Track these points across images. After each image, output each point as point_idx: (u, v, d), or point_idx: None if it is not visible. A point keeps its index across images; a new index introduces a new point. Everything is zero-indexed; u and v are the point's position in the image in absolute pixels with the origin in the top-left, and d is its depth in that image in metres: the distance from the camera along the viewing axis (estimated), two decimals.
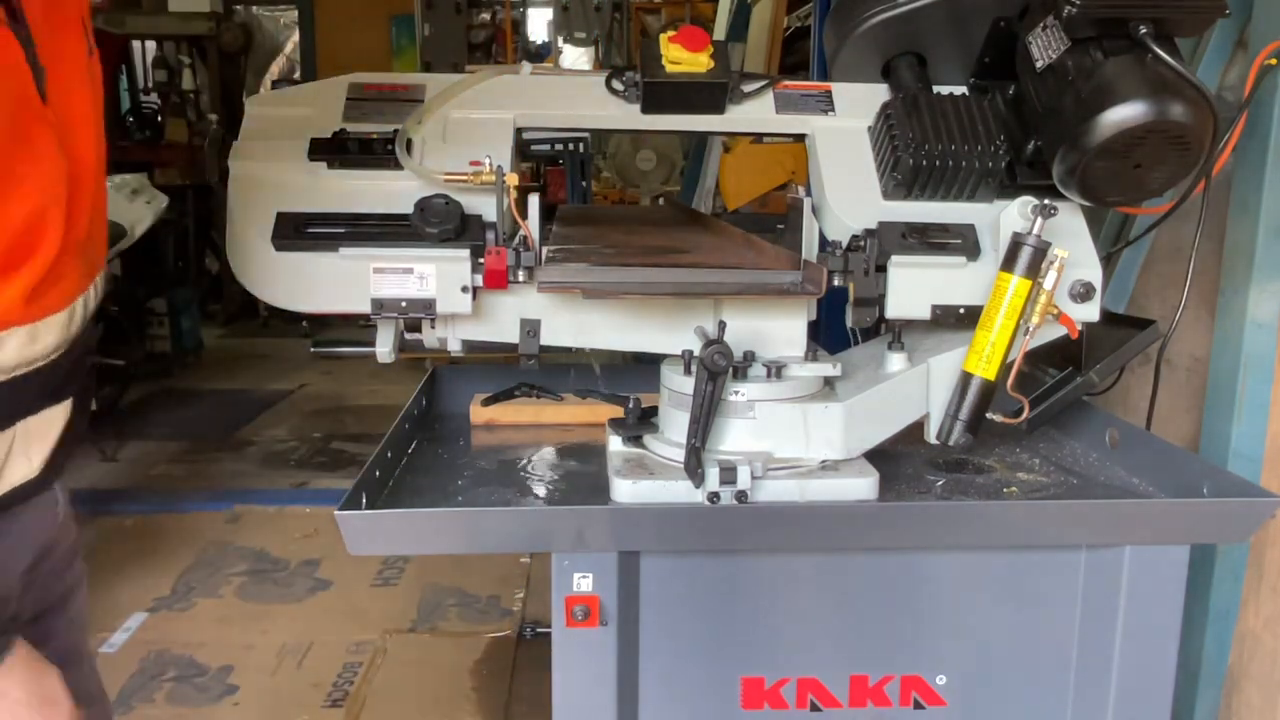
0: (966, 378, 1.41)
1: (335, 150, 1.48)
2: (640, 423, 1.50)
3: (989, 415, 1.42)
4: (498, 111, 1.57)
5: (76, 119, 1.05)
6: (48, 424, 1.10)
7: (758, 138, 4.27)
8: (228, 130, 7.57)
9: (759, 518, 1.34)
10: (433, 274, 1.42)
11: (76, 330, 1.09)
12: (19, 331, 1.00)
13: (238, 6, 9.03)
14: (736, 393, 1.39)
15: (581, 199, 5.62)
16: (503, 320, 1.48)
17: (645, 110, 1.59)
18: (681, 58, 1.53)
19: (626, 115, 1.60)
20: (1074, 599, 1.41)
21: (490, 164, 1.43)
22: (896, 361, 1.47)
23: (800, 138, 1.62)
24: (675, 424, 1.42)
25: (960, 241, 1.45)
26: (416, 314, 1.44)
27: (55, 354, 1.06)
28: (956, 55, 1.58)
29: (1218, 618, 1.82)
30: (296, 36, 9.42)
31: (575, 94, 1.63)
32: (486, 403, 1.83)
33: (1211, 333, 1.83)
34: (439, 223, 1.40)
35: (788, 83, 1.64)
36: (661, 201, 5.20)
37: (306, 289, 1.43)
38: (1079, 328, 1.42)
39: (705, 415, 1.33)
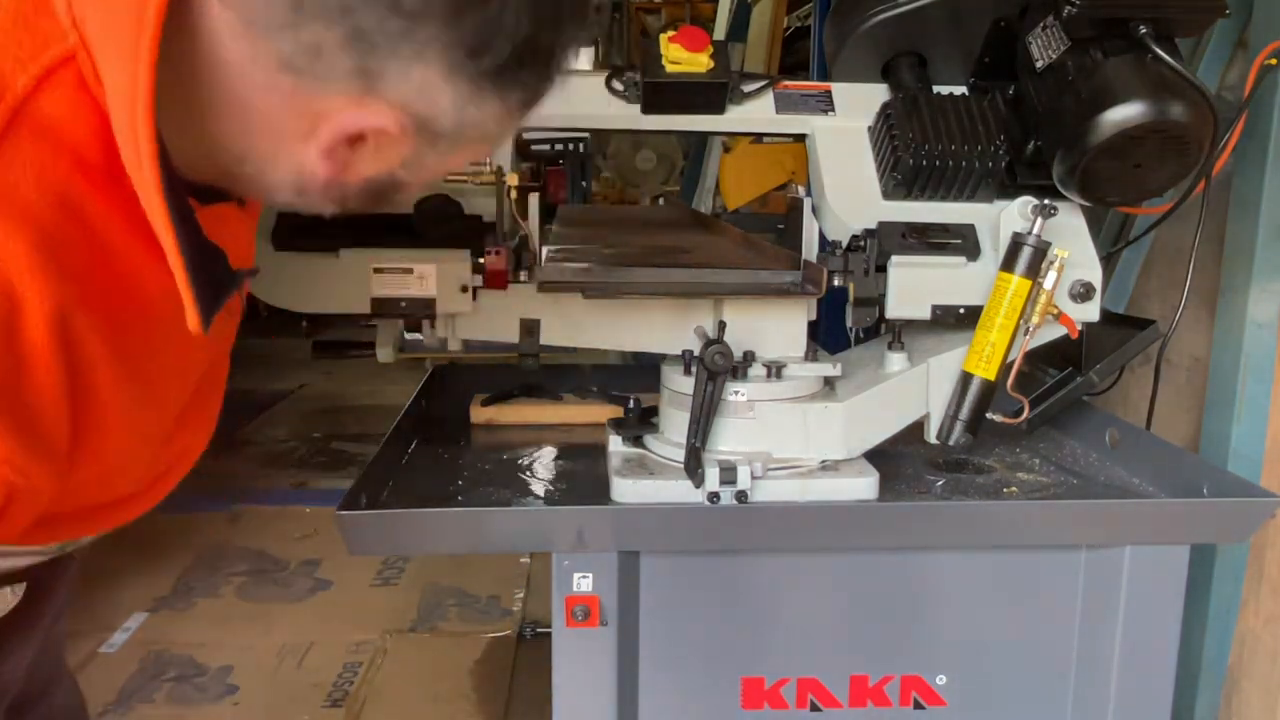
0: (966, 378, 1.41)
1: None
2: (640, 423, 1.50)
3: (989, 415, 1.42)
4: None
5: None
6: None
7: (758, 138, 4.27)
8: None
9: (759, 518, 1.34)
10: (433, 274, 1.42)
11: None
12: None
13: None
14: (736, 393, 1.38)
15: (581, 199, 5.61)
16: (503, 320, 1.48)
17: (645, 110, 1.58)
18: (681, 58, 1.53)
19: (626, 115, 1.60)
20: (1074, 599, 1.41)
21: (490, 164, 1.43)
22: (896, 361, 1.47)
23: (800, 138, 1.62)
24: (675, 424, 1.42)
25: (960, 241, 1.44)
26: (416, 314, 1.44)
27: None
28: (956, 55, 1.58)
29: (1218, 618, 1.82)
30: None
31: (575, 94, 1.63)
32: (486, 403, 1.83)
33: (1211, 333, 1.83)
34: (439, 223, 1.40)
35: (788, 83, 1.64)
36: (661, 201, 5.20)
37: (306, 289, 1.43)
38: (1079, 328, 1.42)
39: (705, 415, 1.33)
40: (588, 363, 2.00)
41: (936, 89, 1.57)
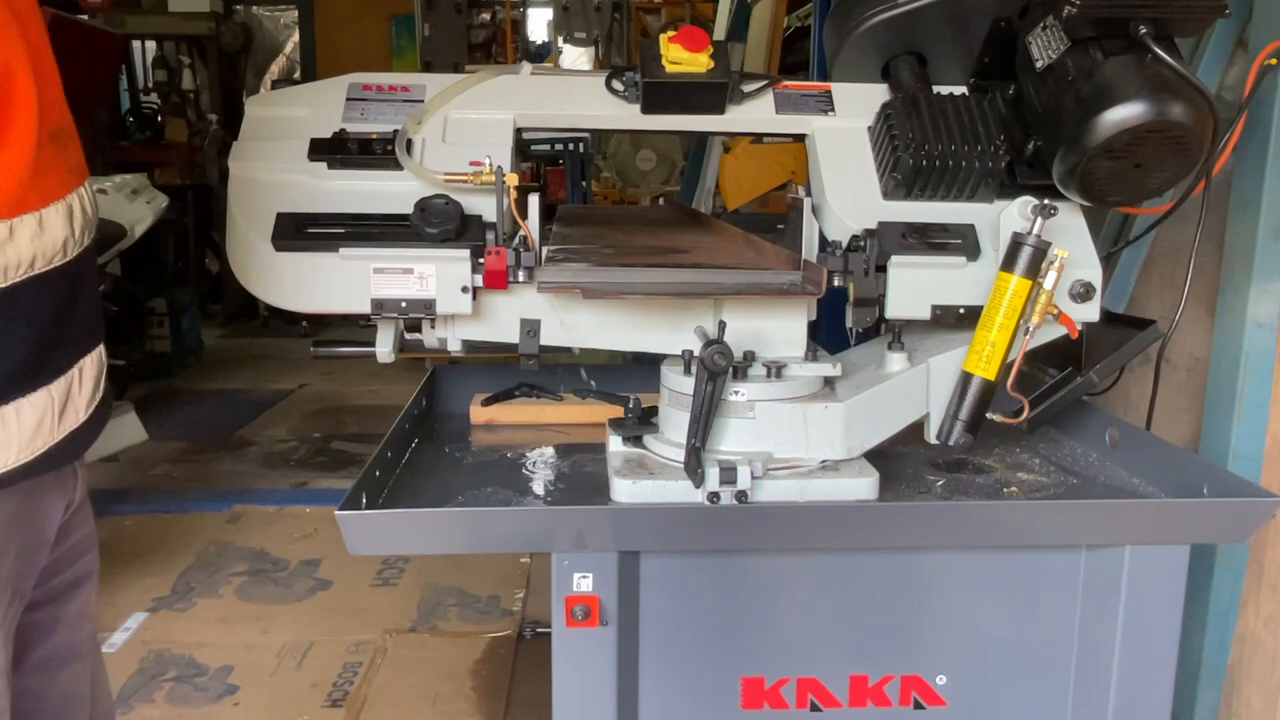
0: (966, 378, 1.41)
1: (335, 150, 1.48)
2: (640, 423, 1.50)
3: (989, 415, 1.42)
4: (497, 111, 1.57)
5: (23, 3, 1.09)
6: (94, 366, 1.16)
7: (758, 138, 4.27)
8: (228, 130, 7.57)
9: (759, 518, 1.34)
10: (433, 274, 1.42)
11: (79, 230, 1.13)
12: (27, 219, 1.06)
13: (238, 6, 9.02)
14: (736, 393, 1.38)
15: (581, 199, 5.61)
16: (503, 320, 1.48)
17: (645, 110, 1.59)
18: (681, 58, 1.53)
19: (626, 115, 1.60)
20: (1074, 599, 1.41)
21: (490, 164, 1.43)
22: (896, 361, 1.47)
23: (800, 138, 1.62)
24: (675, 424, 1.42)
25: (960, 241, 1.44)
26: (416, 314, 1.44)
27: (67, 255, 1.11)
28: (956, 55, 1.58)
29: (1218, 618, 1.82)
30: (296, 36, 9.41)
31: (575, 94, 1.63)
32: (486, 403, 1.83)
33: (1211, 333, 1.83)
34: (439, 223, 1.40)
35: (788, 83, 1.64)
36: (661, 201, 5.20)
37: (306, 289, 1.43)
38: (1079, 328, 1.42)
39: (705, 415, 1.33)
40: (587, 363, 2.00)
41: (936, 89, 1.57)
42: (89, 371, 1.17)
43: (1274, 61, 1.61)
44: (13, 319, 1.06)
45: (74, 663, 1.36)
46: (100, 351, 1.20)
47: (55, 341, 1.11)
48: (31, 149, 1.05)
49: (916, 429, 1.47)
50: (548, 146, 5.57)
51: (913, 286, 1.44)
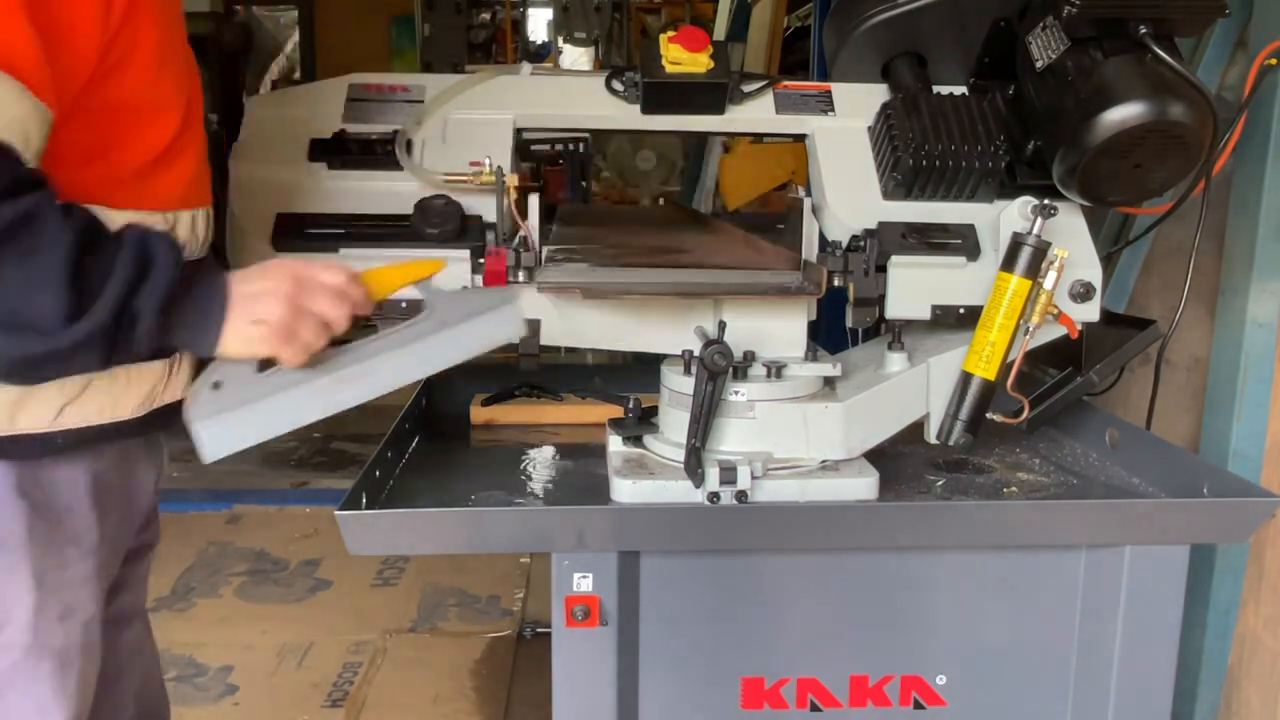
0: (966, 378, 1.41)
1: (335, 151, 1.48)
2: (640, 423, 1.50)
3: (989, 415, 1.42)
4: (497, 112, 1.57)
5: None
6: (190, 361, 1.25)
7: (758, 138, 4.27)
8: (228, 130, 7.56)
9: (759, 518, 1.34)
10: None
11: (202, 240, 1.24)
12: (184, 215, 1.18)
13: (238, 6, 9.02)
14: (736, 393, 1.38)
15: (581, 199, 5.62)
16: None
17: (645, 110, 1.59)
18: (681, 58, 1.53)
19: (626, 115, 1.60)
20: (1074, 599, 1.41)
21: (490, 164, 1.43)
22: (896, 361, 1.47)
23: (800, 138, 1.62)
24: (675, 424, 1.42)
25: (960, 241, 1.44)
26: (416, 314, 1.44)
27: (195, 257, 1.20)
28: (956, 55, 1.58)
29: (1218, 618, 1.82)
30: (296, 36, 9.41)
31: (575, 94, 1.63)
32: (486, 403, 1.83)
33: (1211, 333, 1.83)
34: (439, 223, 1.40)
35: (788, 83, 1.64)
36: (662, 201, 5.20)
37: None
38: (1079, 328, 1.42)
39: (705, 415, 1.33)
40: (588, 363, 2.00)
41: (936, 89, 1.57)
42: (188, 360, 1.25)
43: (1274, 61, 1.61)
44: None
45: (135, 621, 1.48)
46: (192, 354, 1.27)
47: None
48: (203, 151, 1.20)
49: (916, 429, 1.47)
50: (548, 146, 5.58)
51: (913, 286, 1.44)
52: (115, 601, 1.36)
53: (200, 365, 1.24)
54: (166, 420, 1.24)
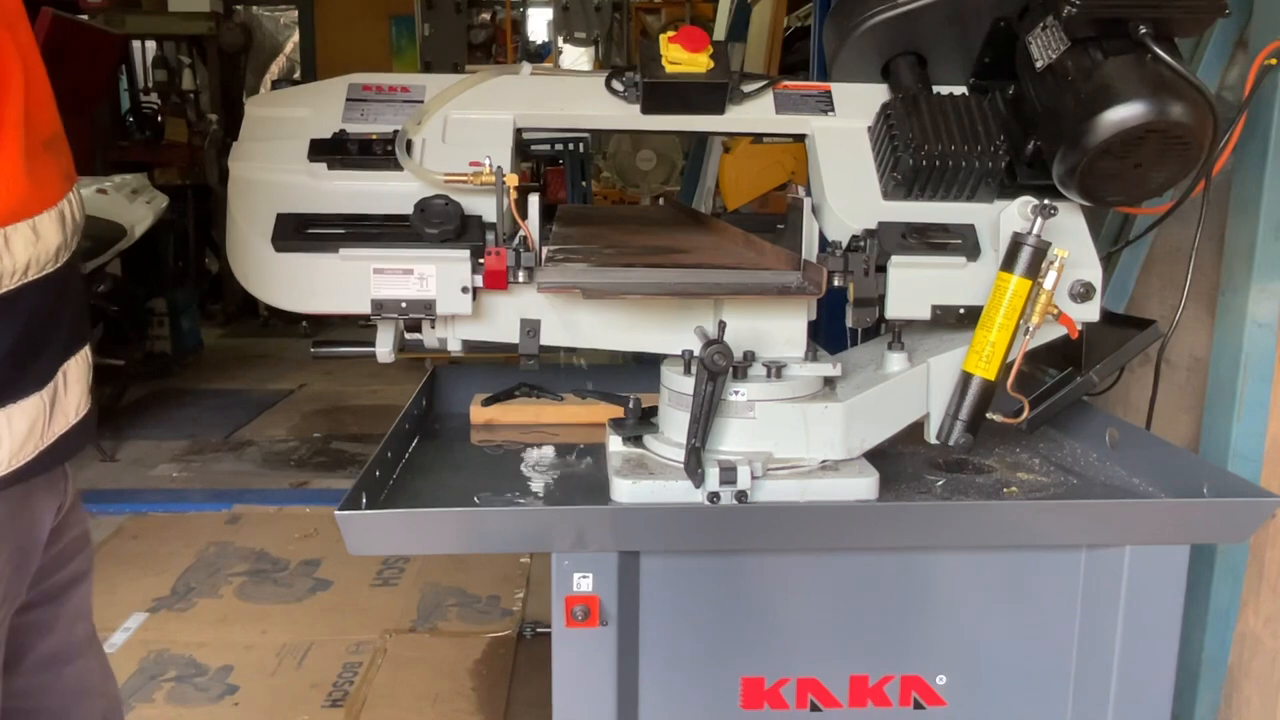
0: (966, 378, 1.41)
1: (335, 151, 1.48)
2: (640, 423, 1.50)
3: (989, 415, 1.42)
4: (497, 112, 1.57)
5: (11, 9, 1.09)
6: (80, 369, 1.16)
7: (758, 138, 4.27)
8: (228, 130, 7.57)
9: (759, 518, 1.34)
10: (433, 274, 1.42)
11: (70, 235, 1.14)
12: (21, 227, 1.06)
13: (238, 6, 9.02)
14: (736, 393, 1.39)
15: (581, 199, 5.61)
16: (503, 320, 1.48)
17: (645, 110, 1.59)
18: (681, 58, 1.53)
19: (626, 115, 1.60)
20: (1074, 599, 1.41)
21: (490, 164, 1.43)
22: (896, 361, 1.47)
23: (800, 138, 1.62)
24: (675, 424, 1.42)
25: (960, 241, 1.45)
26: (416, 314, 1.44)
27: (58, 261, 1.11)
28: (956, 55, 1.58)
29: (1218, 617, 1.82)
30: (296, 36, 9.41)
31: (575, 94, 1.63)
32: (486, 403, 1.83)
33: (1211, 333, 1.82)
34: (439, 223, 1.40)
35: (788, 83, 1.64)
36: (661, 201, 5.20)
37: (306, 290, 1.43)
38: (1079, 328, 1.42)
39: (705, 415, 1.33)
40: (588, 363, 2.00)
41: (936, 89, 1.57)
42: (76, 374, 1.17)
43: (1274, 61, 1.61)
44: (6, 325, 1.06)
45: (75, 660, 1.37)
46: (86, 353, 1.20)
47: (45, 346, 1.12)
48: (21, 158, 1.05)
49: (916, 429, 1.47)
50: (548, 146, 5.57)
51: (913, 286, 1.44)
52: (42, 645, 1.30)
53: (90, 379, 1.18)
54: (63, 450, 1.16)
